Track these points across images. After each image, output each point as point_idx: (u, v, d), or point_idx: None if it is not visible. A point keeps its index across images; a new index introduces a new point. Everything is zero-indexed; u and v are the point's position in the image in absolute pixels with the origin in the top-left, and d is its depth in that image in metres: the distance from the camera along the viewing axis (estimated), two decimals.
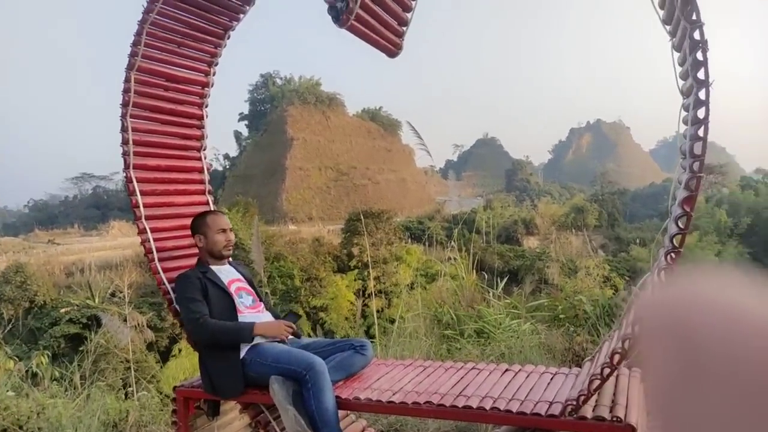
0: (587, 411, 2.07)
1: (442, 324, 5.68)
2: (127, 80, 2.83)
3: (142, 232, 2.87)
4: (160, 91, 2.99)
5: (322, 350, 2.71)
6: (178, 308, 2.82)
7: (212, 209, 3.14)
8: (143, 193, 2.91)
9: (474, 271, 7.42)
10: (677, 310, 0.27)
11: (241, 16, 3.10)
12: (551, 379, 2.48)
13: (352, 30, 2.26)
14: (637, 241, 35.28)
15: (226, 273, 2.83)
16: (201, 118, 3.18)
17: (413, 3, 2.52)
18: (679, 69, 1.93)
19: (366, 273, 23.57)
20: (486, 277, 7.20)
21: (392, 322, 6.76)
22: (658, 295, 0.30)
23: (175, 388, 2.81)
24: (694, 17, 1.77)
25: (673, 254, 1.87)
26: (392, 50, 2.54)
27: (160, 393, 5.76)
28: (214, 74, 3.19)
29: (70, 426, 4.02)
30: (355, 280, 25.06)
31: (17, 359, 7.20)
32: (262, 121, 69.06)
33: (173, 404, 2.80)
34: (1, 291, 22.63)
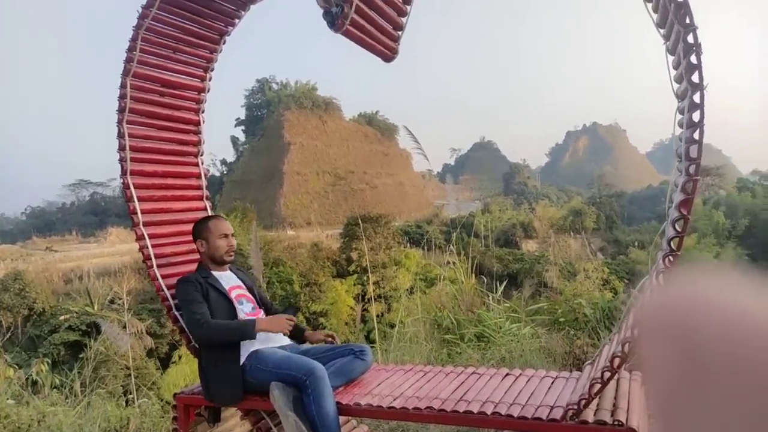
0: (589, 415, 2.06)
1: (442, 328, 5.67)
2: (123, 86, 2.83)
3: (140, 238, 2.87)
4: (157, 96, 2.99)
5: (321, 356, 2.71)
6: (176, 314, 2.82)
7: (214, 214, 3.14)
8: (141, 199, 2.90)
9: (473, 275, 7.41)
10: (677, 312, 0.27)
11: (237, 21, 3.10)
12: (552, 383, 2.48)
13: (348, 35, 2.27)
14: (636, 243, 35.34)
15: (226, 279, 2.83)
16: (198, 123, 3.18)
17: (408, 7, 2.53)
18: (673, 72, 1.94)
19: (365, 278, 23.56)
20: (485, 280, 7.20)
21: (392, 326, 6.75)
22: (658, 297, 0.30)
23: (175, 395, 2.80)
24: (687, 21, 1.77)
25: (671, 257, 1.87)
26: (388, 55, 2.54)
27: (161, 400, 5.74)
28: (210, 79, 3.19)
29: None
30: (354, 284, 25.06)
31: (17, 367, 7.18)
32: (259, 126, 69.14)
33: (174, 411, 2.79)
34: (0, 299, 22.57)
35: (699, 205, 36.52)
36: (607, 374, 2.01)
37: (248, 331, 2.57)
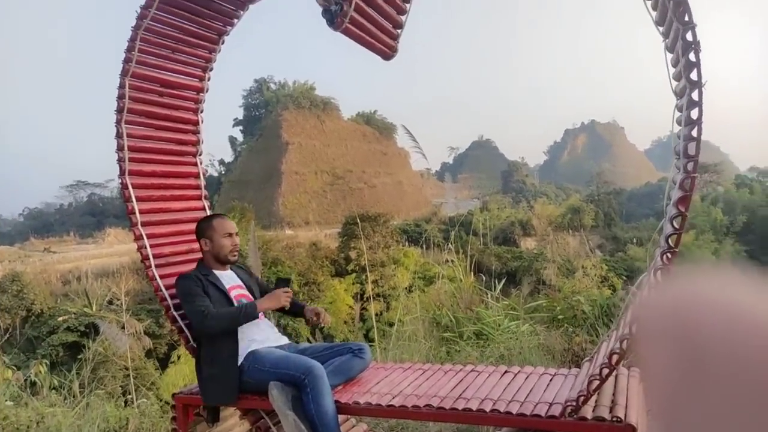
0: (587, 411, 2.07)
1: (440, 326, 5.67)
2: (121, 86, 2.82)
3: (138, 238, 2.86)
4: (155, 96, 2.99)
5: (320, 355, 2.71)
6: (175, 314, 2.81)
7: (217, 213, 3.14)
8: (139, 200, 2.90)
9: (472, 273, 7.42)
10: (676, 311, 0.27)
11: (236, 21, 3.10)
12: (550, 380, 2.49)
13: (347, 33, 2.26)
14: (634, 240, 35.37)
15: (227, 278, 2.82)
16: (196, 123, 3.17)
17: (407, 5, 2.53)
18: (672, 70, 1.94)
19: (364, 276, 23.57)
20: (484, 278, 7.21)
21: (391, 325, 6.76)
22: (656, 295, 0.30)
23: (174, 395, 2.80)
24: (686, 18, 1.78)
25: (669, 254, 1.88)
26: (387, 53, 2.54)
27: (160, 400, 5.73)
28: (209, 79, 3.19)
29: None
30: (353, 283, 25.07)
31: (15, 368, 7.17)
32: (257, 126, 69.10)
33: (173, 411, 2.79)
34: None
35: (697, 202, 36.56)
36: (606, 371, 2.02)
37: (251, 312, 2.60)
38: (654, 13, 1.96)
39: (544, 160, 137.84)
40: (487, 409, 2.21)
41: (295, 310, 2.90)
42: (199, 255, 2.90)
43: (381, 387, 2.58)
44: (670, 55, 1.94)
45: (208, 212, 3.20)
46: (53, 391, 5.73)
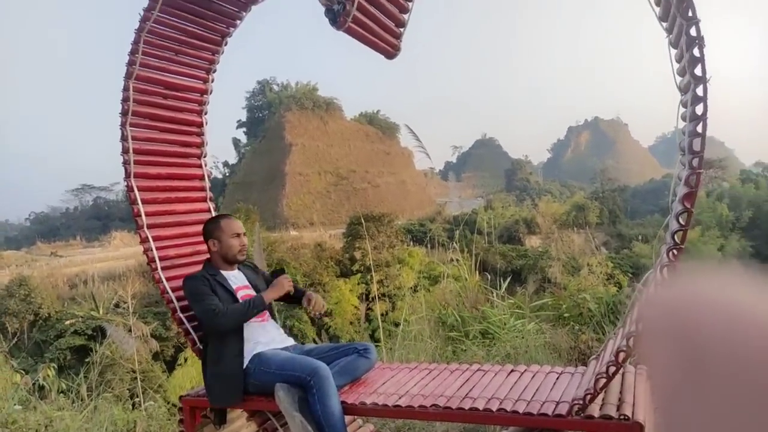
0: (594, 410, 2.06)
1: (446, 326, 5.67)
2: (125, 89, 2.83)
3: (144, 241, 2.87)
4: (159, 99, 3.00)
5: (325, 355, 2.72)
6: (181, 316, 2.82)
7: (224, 213, 3.15)
8: (145, 202, 2.91)
9: (477, 271, 7.41)
10: (679, 312, 0.27)
11: (238, 22, 3.10)
12: (557, 378, 2.48)
13: (350, 32, 2.26)
14: (640, 237, 35.21)
15: (234, 279, 2.83)
16: (201, 125, 3.18)
17: (410, 3, 2.53)
18: (676, 65, 1.93)
19: (369, 277, 23.55)
20: (489, 277, 7.20)
21: (397, 325, 6.76)
22: (661, 294, 0.30)
23: (181, 397, 2.81)
24: (690, 14, 1.77)
25: (675, 251, 1.87)
26: (390, 52, 2.54)
27: (167, 402, 5.76)
28: (212, 81, 3.19)
29: None
30: (358, 284, 25.06)
31: (24, 373, 7.19)
32: (260, 128, 69.18)
33: (180, 413, 2.80)
34: (6, 305, 22.65)
35: (702, 198, 36.39)
36: (612, 369, 2.01)
37: (259, 304, 2.66)
38: (657, 9, 1.96)
39: (548, 158, 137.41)
40: (494, 409, 2.20)
41: (298, 296, 2.93)
42: (205, 257, 2.91)
43: (387, 387, 2.58)
44: (673, 51, 1.93)
45: (214, 214, 3.21)
46: (61, 394, 5.76)
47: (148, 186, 2.96)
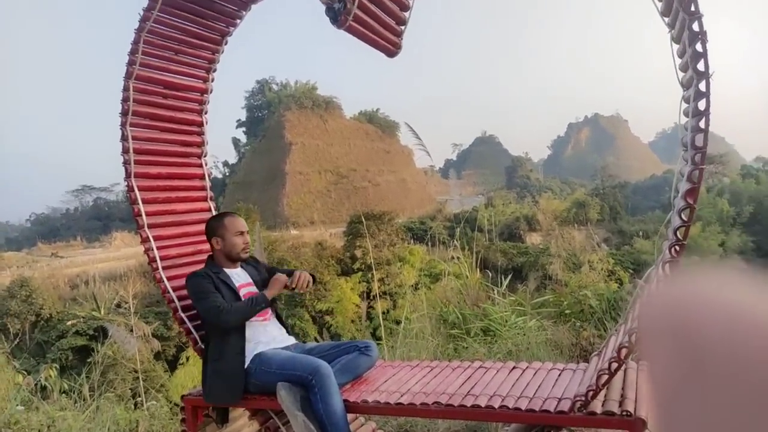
0: (596, 406, 2.06)
1: (448, 323, 5.67)
2: (125, 89, 2.83)
3: (145, 240, 2.87)
4: (159, 98, 2.99)
5: (326, 354, 2.71)
6: (183, 315, 2.82)
7: (227, 211, 3.15)
8: (145, 202, 2.90)
9: (478, 269, 7.41)
10: (678, 311, 0.27)
11: (238, 21, 3.10)
12: (559, 375, 2.48)
13: (351, 31, 2.26)
14: (641, 233, 35.24)
15: (237, 277, 2.83)
16: (201, 124, 3.18)
17: (411, 2, 2.52)
18: (678, 60, 1.93)
19: (370, 275, 23.56)
20: (490, 275, 7.21)
21: (398, 323, 6.76)
22: (660, 293, 0.29)
23: (183, 396, 2.81)
24: (692, 8, 1.76)
25: (677, 247, 1.87)
26: (391, 50, 2.53)
27: (169, 402, 5.77)
28: (212, 80, 3.19)
29: None
30: (359, 282, 25.10)
31: (26, 373, 7.20)
32: (260, 127, 69.24)
33: (182, 413, 2.80)
34: (7, 305, 22.70)
35: (703, 193, 36.39)
36: (615, 365, 2.01)
37: (262, 300, 2.68)
38: (659, 4, 1.95)
39: (548, 155, 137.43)
40: (496, 406, 2.20)
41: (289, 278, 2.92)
42: (206, 256, 2.90)
43: (389, 385, 2.57)
44: (675, 46, 1.92)
45: (214, 213, 3.21)
46: (63, 395, 5.76)
47: (149, 186, 2.96)
